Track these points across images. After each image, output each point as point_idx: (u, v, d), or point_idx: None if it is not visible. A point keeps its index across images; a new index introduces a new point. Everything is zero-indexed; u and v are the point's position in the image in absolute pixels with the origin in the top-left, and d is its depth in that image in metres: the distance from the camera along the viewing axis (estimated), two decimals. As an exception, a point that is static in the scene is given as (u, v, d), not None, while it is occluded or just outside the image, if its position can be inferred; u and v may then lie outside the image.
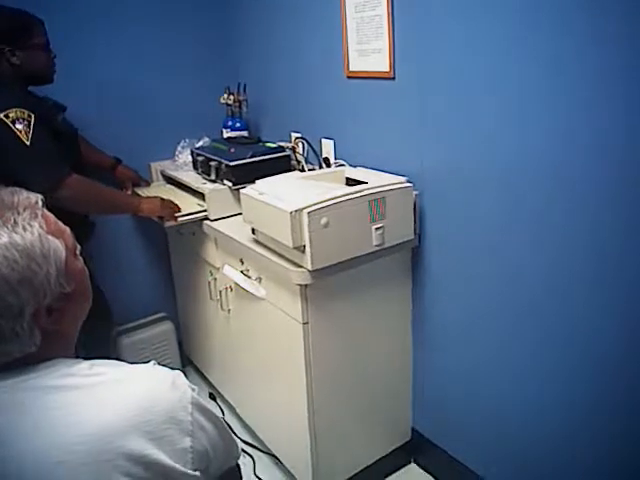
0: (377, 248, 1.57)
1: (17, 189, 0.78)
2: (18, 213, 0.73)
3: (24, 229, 0.72)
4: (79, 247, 0.83)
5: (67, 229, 0.81)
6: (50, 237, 0.74)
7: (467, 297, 1.62)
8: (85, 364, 0.78)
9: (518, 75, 1.32)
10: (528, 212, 1.38)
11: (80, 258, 0.83)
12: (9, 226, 0.71)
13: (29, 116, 1.61)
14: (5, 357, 0.72)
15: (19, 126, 1.60)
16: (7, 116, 1.58)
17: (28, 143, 1.61)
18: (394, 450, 1.93)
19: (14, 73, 1.68)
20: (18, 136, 1.59)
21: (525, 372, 1.51)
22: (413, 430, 1.95)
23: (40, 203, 0.78)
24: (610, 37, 1.12)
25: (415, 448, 1.96)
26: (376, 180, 1.62)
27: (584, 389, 1.37)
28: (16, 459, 0.68)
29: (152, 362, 0.82)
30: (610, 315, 1.27)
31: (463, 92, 1.46)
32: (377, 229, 1.54)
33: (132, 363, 0.81)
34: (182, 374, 0.81)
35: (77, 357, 0.81)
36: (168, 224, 1.96)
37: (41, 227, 0.74)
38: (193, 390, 0.80)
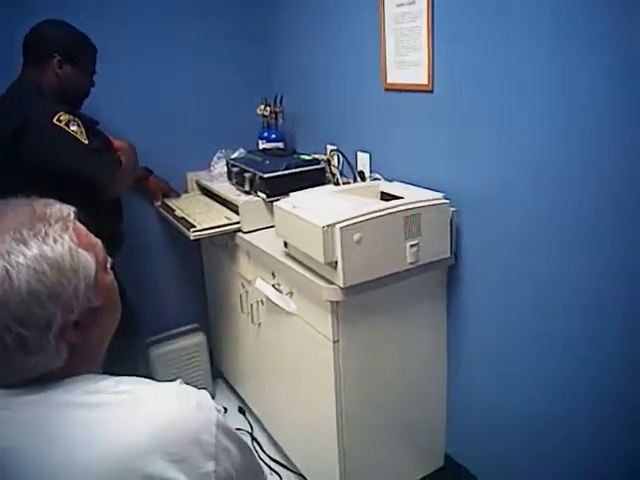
0: (411, 266, 1.52)
1: (50, 201, 0.78)
2: (49, 225, 0.72)
3: (55, 241, 0.71)
4: (110, 260, 0.82)
5: (98, 242, 0.80)
6: (80, 250, 0.73)
7: (504, 318, 1.55)
8: (111, 381, 0.76)
9: (563, 90, 1.26)
10: (567, 233, 1.32)
11: (110, 272, 0.82)
12: (40, 237, 0.70)
13: (75, 118, 1.66)
14: (31, 371, 0.71)
15: (73, 127, 1.64)
16: (59, 120, 1.62)
17: (87, 142, 1.66)
18: (425, 477, 1.86)
19: (55, 84, 1.72)
20: (76, 137, 1.64)
21: (566, 398, 1.43)
22: (447, 456, 1.88)
23: (72, 215, 0.78)
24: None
25: (448, 476, 1.88)
26: (412, 195, 1.57)
27: (625, 412, 1.28)
28: (33, 476, 0.66)
29: (178, 381, 0.80)
30: None
31: (503, 108, 1.41)
32: (412, 246, 1.50)
33: (162, 375, 0.79)
34: (208, 395, 0.79)
35: (103, 373, 0.80)
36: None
37: (72, 240, 0.73)
38: (219, 412, 0.78)
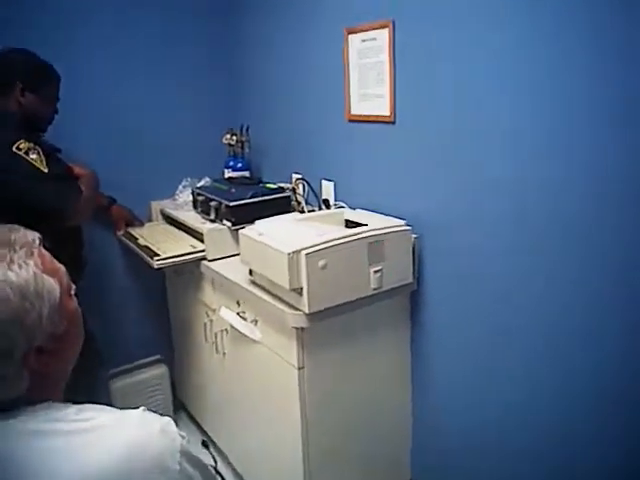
0: (375, 291, 1.54)
1: (15, 226, 0.77)
2: (14, 251, 0.72)
3: (19, 267, 0.71)
4: (74, 287, 0.81)
5: (62, 268, 0.79)
6: (45, 276, 0.73)
7: (467, 342, 1.58)
8: (73, 409, 0.75)
9: (516, 118, 1.33)
10: (530, 260, 1.37)
11: (74, 298, 0.81)
12: (5, 264, 0.70)
13: (36, 146, 1.64)
14: None
15: (33, 155, 1.62)
16: (19, 148, 1.60)
17: (46, 170, 1.64)
18: (392, 502, 1.85)
19: (17, 111, 1.71)
20: (35, 165, 1.62)
21: (528, 420, 1.46)
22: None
23: (37, 241, 0.77)
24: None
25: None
26: (375, 223, 1.61)
27: (588, 440, 1.32)
28: None
29: (142, 408, 0.79)
30: (608, 370, 1.24)
31: (463, 138, 1.47)
32: (375, 272, 1.52)
33: (122, 408, 0.78)
34: (172, 421, 0.78)
35: (66, 401, 0.78)
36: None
37: (36, 265, 0.73)
38: (183, 438, 0.77)
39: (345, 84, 1.84)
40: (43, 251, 0.77)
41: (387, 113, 1.69)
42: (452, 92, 1.48)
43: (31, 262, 0.72)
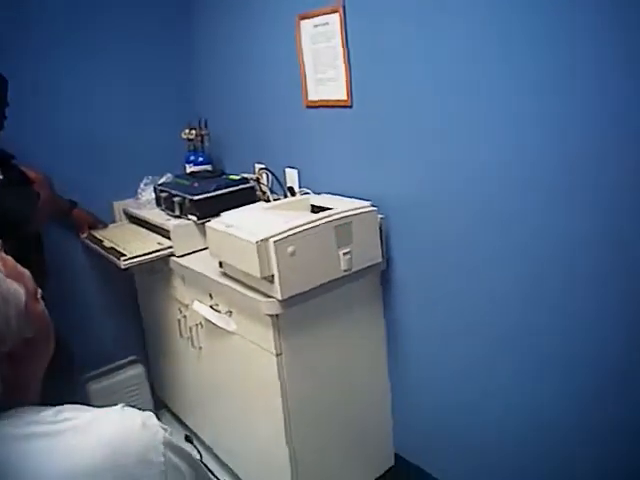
0: (345, 273, 1.57)
1: None
2: None
3: None
4: (40, 291, 0.80)
5: (27, 272, 0.78)
6: (9, 280, 0.72)
7: (439, 316, 1.63)
8: (51, 410, 0.74)
9: (474, 99, 1.36)
10: (492, 229, 1.41)
11: (41, 301, 0.80)
12: None
13: None
14: None
15: None
16: None
17: (1, 177, 1.61)
18: (379, 477, 1.89)
19: None
20: None
21: (502, 388, 1.51)
22: (396, 456, 1.92)
23: None
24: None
25: (399, 473, 1.92)
26: (341, 206, 1.63)
27: (565, 405, 1.38)
28: None
29: (121, 404, 0.79)
30: (579, 328, 1.29)
31: (417, 117, 1.50)
32: (344, 254, 1.55)
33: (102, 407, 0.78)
34: (153, 415, 0.78)
35: (40, 402, 0.78)
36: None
37: (0, 270, 0.71)
38: (165, 430, 0.77)
39: (301, 70, 1.84)
40: (5, 256, 0.76)
41: (344, 97, 1.71)
42: (406, 73, 1.50)
43: None
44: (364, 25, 1.59)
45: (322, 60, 1.76)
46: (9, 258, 0.76)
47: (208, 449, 2.17)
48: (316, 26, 1.74)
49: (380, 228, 1.65)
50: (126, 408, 0.78)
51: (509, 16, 1.23)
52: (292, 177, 2.03)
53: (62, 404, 0.78)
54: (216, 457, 2.12)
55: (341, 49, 1.67)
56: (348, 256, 1.55)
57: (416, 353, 1.75)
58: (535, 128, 1.25)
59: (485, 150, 1.36)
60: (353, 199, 1.72)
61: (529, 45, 1.21)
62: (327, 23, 1.69)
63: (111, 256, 1.96)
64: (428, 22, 1.41)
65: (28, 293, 0.75)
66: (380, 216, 1.65)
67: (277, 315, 1.49)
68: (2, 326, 0.69)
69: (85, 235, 2.20)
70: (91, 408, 0.78)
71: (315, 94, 1.83)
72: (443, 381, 1.68)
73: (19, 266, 0.77)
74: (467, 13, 1.31)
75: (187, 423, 2.32)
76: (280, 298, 1.44)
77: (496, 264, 1.43)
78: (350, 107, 1.70)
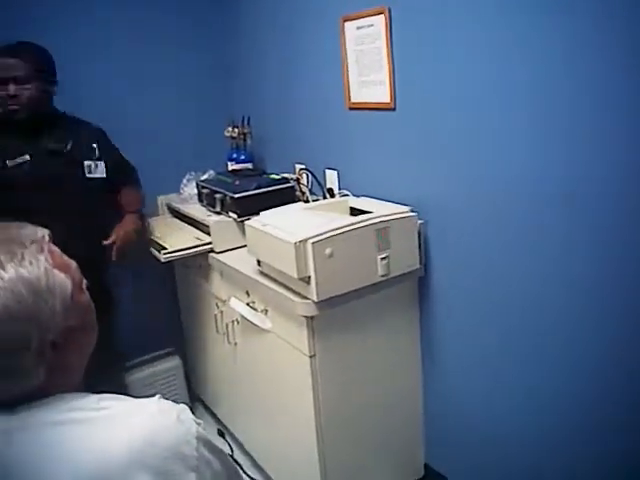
0: (383, 278, 1.56)
1: (24, 224, 0.79)
2: (25, 247, 0.73)
3: (30, 263, 0.71)
4: (85, 281, 0.83)
5: (73, 263, 0.81)
6: (56, 271, 0.74)
7: (476, 327, 1.60)
8: (93, 398, 0.77)
9: (519, 101, 1.33)
10: (537, 239, 1.37)
11: (86, 292, 0.82)
12: (16, 260, 0.71)
13: None
14: (10, 392, 0.71)
15: None
16: None
17: None
18: (407, 486, 1.88)
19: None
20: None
21: (540, 404, 1.47)
22: (426, 466, 1.90)
23: (47, 237, 0.79)
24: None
25: (428, 484, 1.90)
26: (380, 210, 1.62)
27: (608, 421, 1.33)
28: None
29: (157, 396, 0.81)
30: (618, 341, 1.25)
31: (463, 123, 1.48)
32: (382, 259, 1.54)
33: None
34: (187, 408, 0.80)
35: (85, 391, 0.80)
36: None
37: (47, 261, 0.74)
38: (198, 424, 0.78)
39: (344, 72, 1.84)
40: (53, 247, 0.78)
41: (387, 100, 1.69)
42: (453, 76, 1.48)
43: (42, 258, 0.73)
44: (410, 27, 1.57)
45: (365, 62, 1.75)
46: (56, 249, 0.79)
47: (240, 445, 2.19)
48: (360, 28, 1.74)
49: (419, 234, 1.63)
50: (162, 400, 0.80)
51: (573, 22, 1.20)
52: (332, 178, 2.03)
53: (104, 391, 0.80)
54: (247, 453, 2.14)
55: (385, 51, 1.66)
56: (386, 261, 1.54)
57: (451, 363, 1.72)
58: (589, 144, 1.20)
59: (533, 160, 1.32)
60: (392, 203, 1.71)
61: (594, 50, 1.17)
62: (372, 25, 1.69)
63: (152, 249, 2.01)
64: (475, 24, 1.38)
65: (74, 284, 0.78)
66: (419, 221, 1.64)
67: (312, 317, 1.50)
68: (48, 315, 0.72)
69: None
70: (129, 398, 0.80)
71: (358, 96, 1.83)
72: (478, 393, 1.65)
73: (65, 257, 0.80)
74: (521, 14, 1.28)
75: (220, 417, 2.36)
76: (316, 300, 1.44)
77: (539, 275, 1.39)
78: (393, 110, 1.69)
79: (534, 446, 1.51)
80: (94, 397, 0.77)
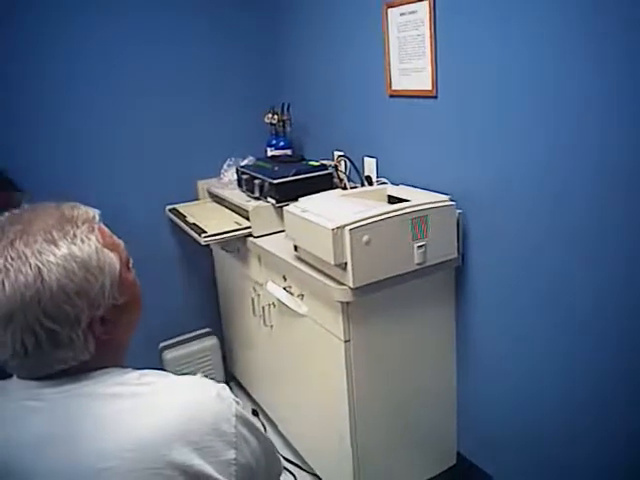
0: (419, 267, 1.56)
1: (77, 204, 0.82)
2: (77, 226, 0.77)
3: (82, 241, 0.75)
4: (131, 260, 0.86)
5: (121, 243, 0.84)
6: (106, 250, 0.78)
7: (513, 318, 1.59)
8: (135, 373, 0.80)
9: (566, 91, 1.30)
10: (577, 234, 1.35)
11: (133, 271, 0.86)
12: (68, 238, 0.74)
13: None
14: (61, 364, 0.75)
15: None
16: None
17: None
18: (439, 474, 1.88)
19: None
20: None
21: (579, 400, 1.46)
22: (459, 454, 1.91)
23: (97, 217, 0.82)
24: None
25: (461, 474, 1.90)
26: (418, 198, 1.62)
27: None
28: (64, 465, 0.70)
29: (198, 374, 0.84)
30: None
31: (505, 110, 1.45)
32: (419, 247, 1.54)
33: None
34: (227, 387, 0.83)
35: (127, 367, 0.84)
36: None
37: (98, 240, 0.77)
38: (237, 403, 0.81)
39: (385, 59, 1.83)
40: (103, 227, 0.82)
41: (429, 87, 1.68)
42: (496, 64, 1.45)
43: (92, 237, 0.77)
44: (453, 14, 1.55)
45: (407, 49, 1.74)
46: (106, 229, 0.83)
47: (273, 425, 2.24)
48: (403, 14, 1.72)
49: (457, 223, 1.62)
50: (203, 378, 0.83)
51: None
52: (370, 166, 2.03)
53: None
54: (280, 434, 2.19)
55: (428, 38, 1.64)
56: (422, 249, 1.54)
57: (486, 353, 1.71)
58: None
59: (577, 152, 1.30)
60: (431, 192, 1.70)
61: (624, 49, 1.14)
62: (415, 11, 1.67)
63: (193, 232, 2.06)
64: (522, 14, 1.35)
65: (122, 262, 0.81)
66: (458, 211, 1.63)
67: (348, 302, 1.51)
68: (98, 292, 0.76)
69: None
70: (170, 374, 0.84)
71: (399, 83, 1.81)
72: (512, 384, 1.64)
73: (115, 237, 0.84)
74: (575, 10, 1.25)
75: (254, 397, 2.42)
76: (352, 286, 1.46)
77: (580, 270, 1.37)
78: (435, 97, 1.67)
79: (568, 442, 1.50)
80: (136, 372, 0.80)
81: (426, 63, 1.67)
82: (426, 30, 1.64)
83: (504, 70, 1.43)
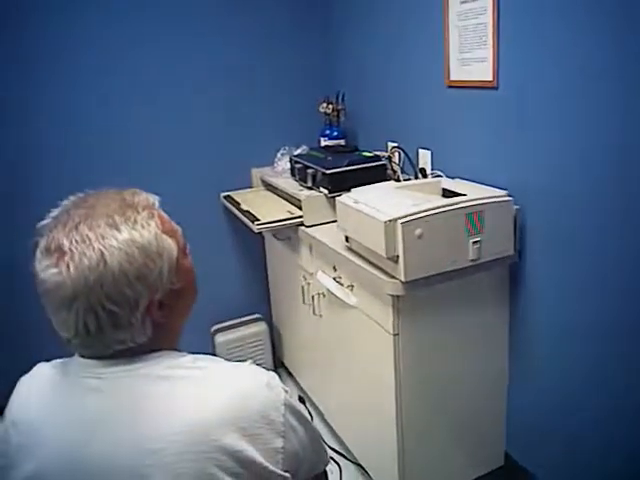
0: (473, 263, 1.52)
1: (137, 190, 0.85)
2: (138, 212, 0.79)
3: (142, 227, 0.78)
4: (188, 246, 0.89)
5: (179, 229, 0.87)
6: (164, 236, 0.80)
7: (569, 319, 1.53)
8: (189, 357, 0.82)
9: (632, 83, 1.23)
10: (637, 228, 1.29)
11: (189, 256, 0.88)
12: (129, 223, 0.77)
13: None
14: (120, 345, 0.78)
15: None
16: None
17: None
18: (485, 474, 1.85)
19: None
20: None
21: (636, 408, 1.40)
22: (507, 455, 1.87)
23: (157, 204, 0.85)
24: None
25: (508, 475, 1.86)
26: (474, 192, 1.58)
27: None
28: (119, 444, 0.73)
29: (249, 361, 0.86)
30: None
31: (569, 105, 1.39)
32: (474, 243, 1.50)
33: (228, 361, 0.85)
34: (276, 376, 0.84)
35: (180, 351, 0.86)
36: None
37: (157, 226, 0.80)
38: (286, 392, 0.82)
39: (445, 48, 1.79)
40: (162, 213, 0.84)
41: (489, 78, 1.63)
42: (562, 56, 1.39)
43: (152, 223, 0.79)
44: (518, 3, 1.49)
45: (468, 39, 1.69)
46: (165, 215, 0.85)
47: (319, 413, 2.27)
48: (464, 2, 1.67)
49: (515, 219, 1.57)
50: (253, 366, 0.85)
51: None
52: (425, 158, 2.00)
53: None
54: (327, 423, 2.21)
55: (491, 28, 1.58)
56: (477, 245, 1.51)
57: (541, 354, 1.66)
58: None
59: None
60: (488, 186, 1.66)
61: None
62: (477, -1, 1.62)
63: (246, 219, 2.09)
64: (585, 10, 1.29)
65: (179, 248, 0.83)
66: (516, 207, 1.58)
67: (398, 296, 1.50)
68: (156, 277, 0.78)
69: None
70: (222, 360, 0.86)
71: (458, 74, 1.77)
72: (566, 386, 1.59)
73: (173, 223, 0.86)
74: None
75: (302, 385, 2.45)
76: (403, 280, 1.44)
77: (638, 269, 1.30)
78: (495, 89, 1.62)
79: (621, 452, 1.44)
80: (190, 357, 0.83)
81: (487, 53, 1.62)
82: (489, 18, 1.59)
83: (570, 59, 1.37)
